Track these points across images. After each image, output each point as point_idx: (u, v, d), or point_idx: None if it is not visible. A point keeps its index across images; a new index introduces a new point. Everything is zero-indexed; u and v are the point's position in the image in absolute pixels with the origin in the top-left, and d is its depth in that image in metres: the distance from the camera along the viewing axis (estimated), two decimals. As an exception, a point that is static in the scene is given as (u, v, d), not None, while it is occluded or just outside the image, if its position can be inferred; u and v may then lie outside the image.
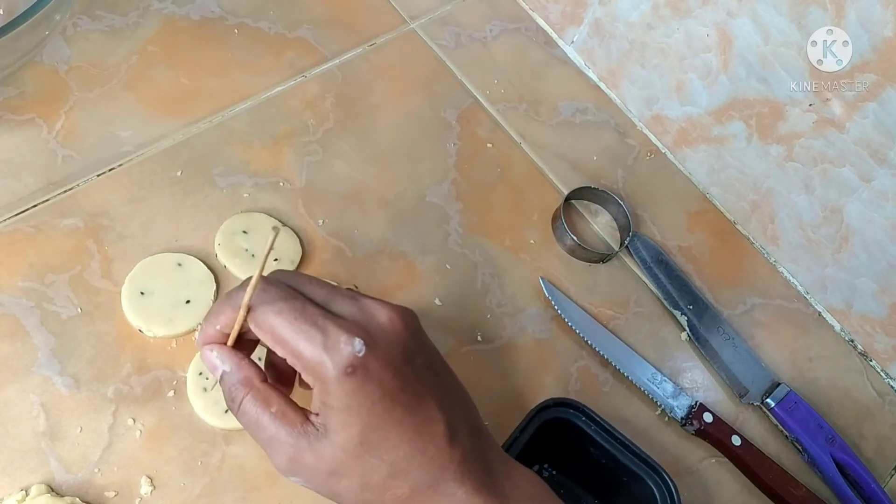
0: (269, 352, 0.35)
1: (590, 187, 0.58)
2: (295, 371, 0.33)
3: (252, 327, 0.32)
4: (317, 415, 0.32)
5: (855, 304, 0.58)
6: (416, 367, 0.33)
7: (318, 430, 0.32)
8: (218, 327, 0.34)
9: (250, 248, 0.48)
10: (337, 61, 0.59)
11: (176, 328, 0.44)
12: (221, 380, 0.34)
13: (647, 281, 0.57)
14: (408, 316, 0.34)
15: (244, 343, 0.34)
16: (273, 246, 0.32)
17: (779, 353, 0.57)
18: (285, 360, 0.32)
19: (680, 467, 0.50)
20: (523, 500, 0.35)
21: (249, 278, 0.32)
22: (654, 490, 0.43)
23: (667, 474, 0.43)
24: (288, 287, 0.33)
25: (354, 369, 0.30)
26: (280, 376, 0.36)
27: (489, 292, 0.52)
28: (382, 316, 0.33)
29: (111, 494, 0.39)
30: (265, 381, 0.34)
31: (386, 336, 0.32)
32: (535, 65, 0.65)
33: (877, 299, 0.56)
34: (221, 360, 0.34)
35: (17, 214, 0.45)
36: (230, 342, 0.34)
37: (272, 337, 0.32)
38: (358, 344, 0.31)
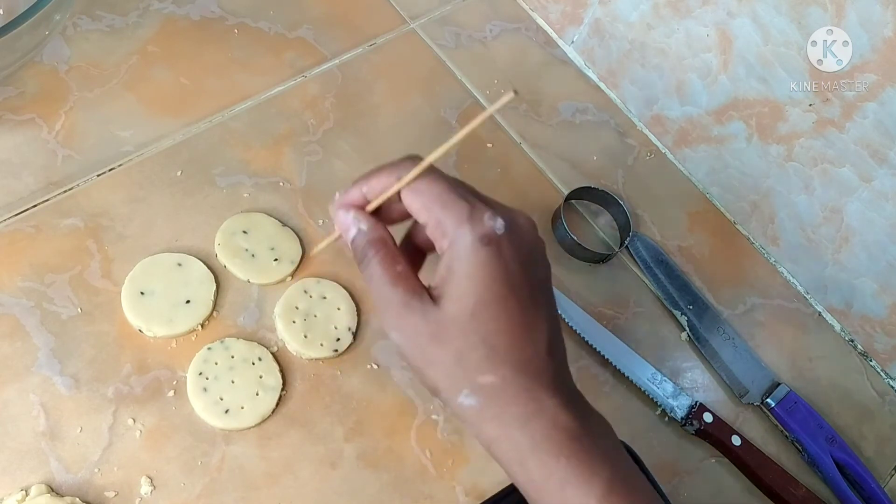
0: (409, 232, 0.38)
1: (590, 187, 0.58)
2: (425, 255, 0.35)
3: (404, 191, 0.35)
4: (434, 288, 0.34)
5: (855, 304, 0.58)
6: (537, 274, 0.35)
7: (433, 298, 0.34)
8: (364, 190, 0.36)
9: (250, 248, 0.48)
10: (337, 61, 0.59)
11: (176, 328, 0.44)
12: (354, 240, 0.36)
13: (647, 281, 0.57)
14: (539, 238, 0.36)
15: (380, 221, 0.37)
16: (501, 107, 0.33)
17: (779, 353, 0.57)
18: (421, 239, 0.36)
19: (680, 467, 0.50)
20: (602, 435, 0.35)
21: (410, 156, 0.35)
22: None
23: None
24: (445, 174, 0.36)
25: (490, 241, 0.33)
26: (412, 256, 0.38)
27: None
28: (522, 218, 0.35)
29: (111, 494, 0.39)
30: (395, 244, 0.36)
31: (523, 233, 0.35)
32: (535, 65, 0.65)
33: (877, 299, 0.56)
34: (357, 220, 0.36)
35: (17, 214, 0.45)
36: (370, 208, 0.36)
37: (422, 201, 0.34)
38: (499, 223, 0.33)
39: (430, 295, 0.34)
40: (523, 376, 0.33)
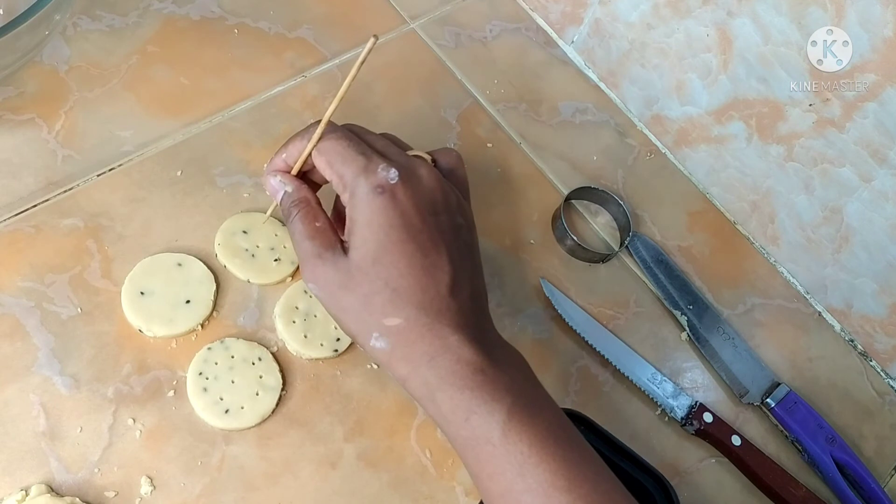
0: (335, 203, 0.41)
1: (590, 187, 0.58)
2: None
3: (314, 153, 0.38)
4: (345, 240, 0.36)
5: (855, 304, 0.58)
6: (438, 221, 0.36)
7: (343, 250, 0.36)
8: (284, 156, 0.39)
9: (250, 247, 0.48)
10: (337, 61, 0.59)
11: (176, 328, 0.44)
12: (282, 201, 0.39)
13: (647, 281, 0.57)
14: (445, 183, 0.38)
15: (308, 184, 0.40)
16: (366, 57, 0.36)
17: (779, 353, 0.57)
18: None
19: (680, 467, 0.50)
20: (509, 366, 0.37)
21: (317, 121, 0.37)
22: (656, 497, 0.43)
23: (668, 482, 0.43)
24: (350, 131, 0.38)
25: (384, 190, 0.35)
26: (339, 218, 0.40)
27: (489, 292, 0.52)
28: (423, 169, 0.37)
29: (111, 494, 0.39)
30: (318, 203, 0.39)
31: (419, 183, 0.36)
32: (535, 65, 0.65)
33: (877, 299, 0.56)
34: (284, 183, 0.39)
35: (17, 214, 0.45)
36: (294, 172, 0.40)
37: (325, 160, 0.37)
38: (392, 172, 0.35)
39: (342, 247, 0.36)
40: (426, 316, 0.35)
